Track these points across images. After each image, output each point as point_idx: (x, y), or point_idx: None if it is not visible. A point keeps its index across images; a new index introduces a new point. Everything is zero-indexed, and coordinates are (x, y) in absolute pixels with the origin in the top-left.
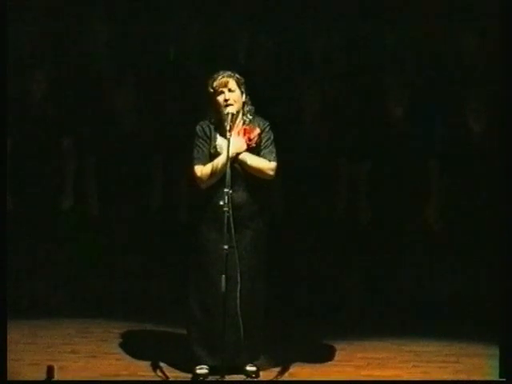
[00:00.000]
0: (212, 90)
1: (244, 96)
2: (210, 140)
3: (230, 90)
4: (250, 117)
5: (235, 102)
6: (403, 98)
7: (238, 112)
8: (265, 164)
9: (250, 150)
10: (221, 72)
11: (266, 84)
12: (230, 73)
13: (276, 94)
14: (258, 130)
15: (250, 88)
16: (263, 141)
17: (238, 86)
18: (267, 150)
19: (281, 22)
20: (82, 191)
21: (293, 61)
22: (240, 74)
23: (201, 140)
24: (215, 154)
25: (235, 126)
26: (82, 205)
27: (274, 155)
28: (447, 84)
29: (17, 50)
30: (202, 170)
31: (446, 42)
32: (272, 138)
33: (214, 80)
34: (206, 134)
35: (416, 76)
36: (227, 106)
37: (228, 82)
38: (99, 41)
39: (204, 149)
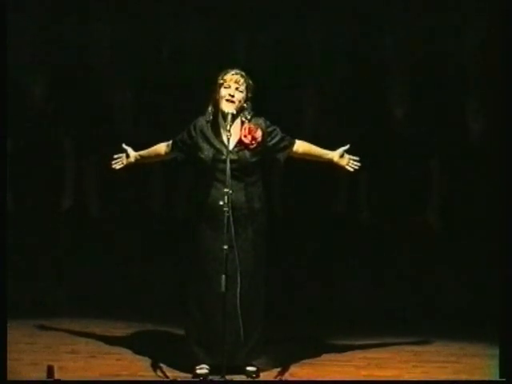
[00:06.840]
0: (221, 81)
1: (248, 102)
2: (205, 137)
3: (237, 89)
4: (249, 117)
5: (238, 101)
6: (403, 98)
7: (237, 114)
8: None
9: (252, 150)
10: (237, 69)
11: (266, 84)
12: (244, 74)
13: (276, 94)
14: (260, 132)
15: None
16: (277, 135)
17: (247, 89)
18: (283, 136)
19: (281, 21)
20: (82, 191)
21: (293, 60)
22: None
23: (186, 134)
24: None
25: (232, 126)
26: (82, 205)
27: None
28: (447, 84)
29: (17, 50)
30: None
31: (446, 42)
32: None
33: (227, 73)
34: (195, 128)
35: (416, 76)
36: (228, 101)
37: (240, 80)
38: (99, 41)
39: (183, 141)
